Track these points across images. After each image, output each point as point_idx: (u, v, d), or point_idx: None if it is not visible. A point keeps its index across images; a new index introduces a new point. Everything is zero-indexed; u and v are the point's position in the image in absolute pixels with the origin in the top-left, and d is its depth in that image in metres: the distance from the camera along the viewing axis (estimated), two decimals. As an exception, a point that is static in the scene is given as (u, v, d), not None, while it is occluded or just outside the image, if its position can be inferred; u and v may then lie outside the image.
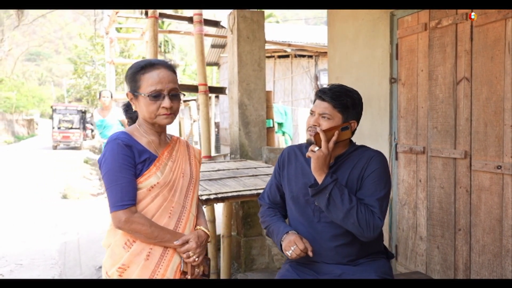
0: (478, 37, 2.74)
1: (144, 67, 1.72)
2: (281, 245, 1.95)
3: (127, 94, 1.76)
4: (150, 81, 1.70)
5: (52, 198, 9.43)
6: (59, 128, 25.58)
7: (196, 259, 1.73)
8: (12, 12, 34.55)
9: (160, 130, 1.79)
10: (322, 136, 1.84)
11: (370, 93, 3.69)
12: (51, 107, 27.69)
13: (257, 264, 4.44)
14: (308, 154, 1.87)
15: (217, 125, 16.80)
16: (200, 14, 4.73)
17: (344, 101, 1.91)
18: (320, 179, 1.85)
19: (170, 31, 9.99)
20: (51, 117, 26.85)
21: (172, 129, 11.09)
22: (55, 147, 25.31)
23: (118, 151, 1.65)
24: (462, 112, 2.88)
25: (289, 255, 1.88)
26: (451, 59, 2.95)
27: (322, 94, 1.93)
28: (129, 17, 8.96)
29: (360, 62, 3.87)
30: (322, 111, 1.91)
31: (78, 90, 33.11)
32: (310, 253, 1.87)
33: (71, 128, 25.73)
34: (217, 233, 4.26)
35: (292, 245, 1.88)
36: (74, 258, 4.90)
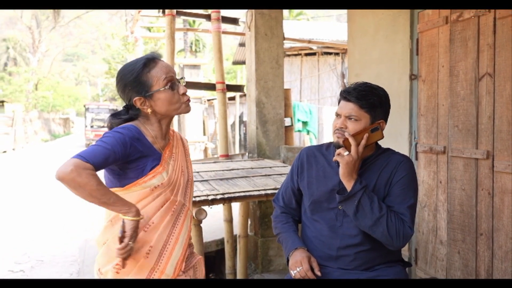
0: (502, 30, 2.57)
1: (145, 65, 1.64)
2: (288, 260, 1.88)
3: (135, 102, 1.64)
4: (159, 74, 1.64)
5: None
6: (91, 126, 26.25)
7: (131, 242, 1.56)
8: (49, 14, 35.62)
9: (168, 125, 1.74)
10: (351, 140, 1.73)
11: (389, 90, 3.48)
12: (84, 106, 28.41)
13: (274, 265, 4.36)
14: (336, 158, 1.76)
15: (244, 124, 16.71)
16: (218, 12, 4.68)
17: (370, 100, 1.80)
18: (349, 185, 1.75)
19: (188, 29, 10.03)
20: (85, 116, 27.55)
21: (196, 129, 11.12)
22: (87, 145, 25.98)
23: (125, 136, 1.57)
24: (484, 109, 2.71)
25: (293, 275, 1.80)
26: (473, 54, 2.78)
27: (346, 94, 1.81)
28: (150, 16, 9.05)
29: (379, 58, 3.72)
30: (348, 113, 1.80)
31: (111, 89, 33.87)
32: (318, 273, 1.79)
33: (103, 126, 26.32)
34: (234, 233, 4.20)
35: (299, 265, 1.80)
36: (94, 255, 4.93)
